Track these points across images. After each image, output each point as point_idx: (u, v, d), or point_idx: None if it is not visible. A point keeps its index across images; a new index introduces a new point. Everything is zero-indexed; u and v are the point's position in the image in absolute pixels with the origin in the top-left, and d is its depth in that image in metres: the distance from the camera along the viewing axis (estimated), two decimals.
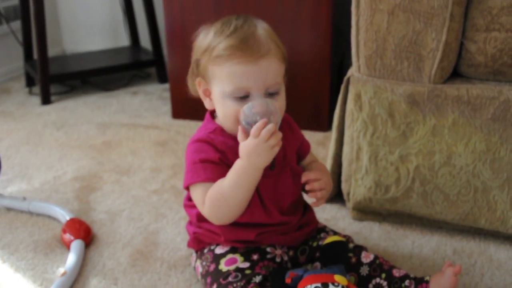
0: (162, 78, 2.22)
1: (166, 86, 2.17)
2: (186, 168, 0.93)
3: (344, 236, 1.00)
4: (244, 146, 0.85)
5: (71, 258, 1.08)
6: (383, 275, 0.91)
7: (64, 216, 1.22)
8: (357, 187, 1.18)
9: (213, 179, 0.89)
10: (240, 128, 0.85)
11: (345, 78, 1.18)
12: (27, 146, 1.67)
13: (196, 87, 0.95)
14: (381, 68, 1.10)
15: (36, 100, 2.07)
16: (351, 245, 0.97)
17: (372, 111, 1.12)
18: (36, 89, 2.13)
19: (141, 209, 1.29)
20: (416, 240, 1.13)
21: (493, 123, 1.04)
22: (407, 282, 0.89)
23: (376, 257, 0.94)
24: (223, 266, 0.93)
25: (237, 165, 0.86)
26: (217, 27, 0.90)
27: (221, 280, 0.90)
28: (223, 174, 0.89)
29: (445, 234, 1.15)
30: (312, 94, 1.69)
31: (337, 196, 1.27)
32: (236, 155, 0.87)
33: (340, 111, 1.21)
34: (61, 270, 1.06)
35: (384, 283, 0.90)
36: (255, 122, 0.84)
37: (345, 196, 1.23)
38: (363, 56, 1.11)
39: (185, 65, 1.77)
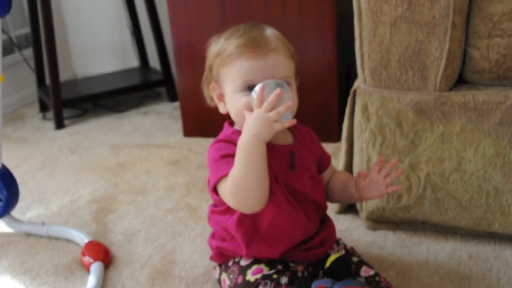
0: (172, 97, 2.25)
1: (176, 104, 2.19)
2: (210, 169, 0.94)
3: (352, 251, 1.01)
4: (247, 119, 0.87)
5: (92, 280, 1.10)
6: None
7: (82, 239, 1.25)
8: None
9: None
10: (255, 95, 0.87)
11: (352, 90, 1.19)
12: (43, 171, 1.70)
13: (210, 93, 0.98)
14: (386, 78, 1.11)
15: (50, 125, 2.11)
16: (355, 259, 0.98)
17: (380, 121, 1.14)
18: (50, 114, 2.17)
19: (157, 229, 1.31)
20: (431, 247, 1.14)
21: (501, 128, 1.05)
22: None
23: (377, 274, 0.94)
24: (250, 277, 0.94)
25: (240, 141, 0.87)
26: (227, 34, 0.95)
27: None
28: None
29: (460, 239, 1.16)
30: (320, 105, 1.71)
31: (350, 207, 1.28)
32: None
33: (348, 123, 1.22)
34: None
35: None
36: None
37: (358, 207, 1.24)
38: (368, 68, 1.12)
39: (194, 83, 1.81)
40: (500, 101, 1.03)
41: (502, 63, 1.03)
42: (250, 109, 0.89)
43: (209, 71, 0.97)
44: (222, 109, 0.97)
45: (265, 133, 0.85)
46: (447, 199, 1.11)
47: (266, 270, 0.94)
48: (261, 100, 0.86)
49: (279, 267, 0.95)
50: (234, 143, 0.91)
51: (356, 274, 0.94)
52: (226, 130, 0.99)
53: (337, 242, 1.03)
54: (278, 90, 0.85)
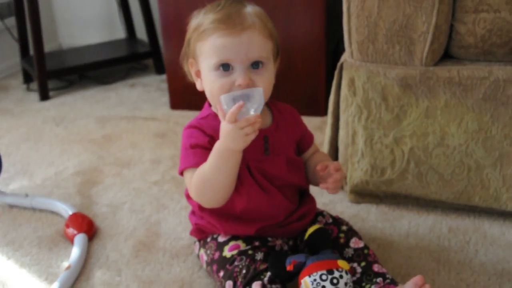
0: (160, 69, 2.23)
1: (163, 77, 2.17)
2: (180, 154, 0.96)
3: (339, 219, 1.02)
4: (222, 128, 0.86)
5: (75, 252, 1.10)
6: (363, 263, 0.92)
7: (66, 211, 1.24)
8: (353, 170, 1.19)
9: (202, 163, 0.90)
10: (218, 107, 0.86)
11: (338, 64, 1.19)
12: (27, 142, 1.68)
13: (189, 68, 0.97)
14: (373, 53, 1.11)
15: (35, 96, 2.08)
16: (344, 227, 0.98)
17: (366, 95, 1.13)
18: (34, 85, 2.15)
19: (142, 201, 1.31)
20: (413, 220, 1.15)
21: (484, 103, 1.05)
22: (379, 280, 0.89)
23: (366, 247, 0.95)
24: (227, 253, 0.95)
25: (216, 146, 0.88)
26: (207, 8, 0.92)
27: (227, 266, 0.93)
28: None
29: (441, 213, 1.17)
30: (308, 80, 1.70)
31: None
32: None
33: (334, 97, 1.22)
34: (66, 264, 1.09)
35: (359, 270, 0.91)
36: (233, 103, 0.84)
37: None
38: (355, 41, 1.12)
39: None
40: (484, 76, 1.04)
41: (488, 38, 1.02)
42: (225, 92, 0.87)
43: (187, 46, 0.95)
44: (199, 86, 0.95)
45: (239, 146, 0.85)
46: (429, 173, 1.12)
47: (243, 246, 0.95)
48: (234, 116, 0.83)
49: (256, 243, 0.96)
50: (203, 130, 0.92)
51: (346, 245, 0.95)
52: (203, 112, 0.97)
53: (322, 214, 1.03)
54: (240, 103, 0.82)
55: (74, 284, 1.03)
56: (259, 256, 0.91)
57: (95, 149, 1.60)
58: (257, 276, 0.88)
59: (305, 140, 1.02)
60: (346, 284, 0.84)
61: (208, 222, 1.00)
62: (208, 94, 0.93)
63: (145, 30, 2.20)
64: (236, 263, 0.92)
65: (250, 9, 0.90)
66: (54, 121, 1.84)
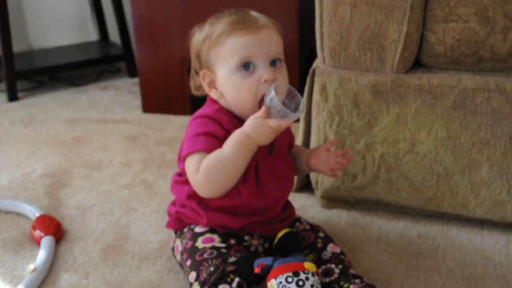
0: (132, 72, 2.21)
1: (136, 80, 2.15)
2: (186, 140, 0.93)
3: (316, 226, 1.02)
4: (252, 121, 0.86)
5: (42, 254, 1.07)
6: (340, 266, 0.93)
7: (33, 212, 1.22)
8: (325, 176, 1.20)
9: (213, 150, 0.90)
10: (263, 108, 0.86)
11: (311, 70, 1.20)
12: None
13: (198, 82, 0.96)
14: (345, 59, 1.12)
15: (2, 97, 2.04)
16: (321, 234, 0.99)
17: (337, 101, 1.15)
18: (2, 85, 2.10)
19: (112, 204, 1.29)
20: (383, 225, 1.17)
21: (453, 111, 1.07)
22: (357, 281, 0.90)
23: (342, 253, 0.96)
24: (199, 243, 0.94)
25: (239, 135, 0.88)
26: (210, 20, 0.94)
27: (196, 256, 0.92)
28: None
29: (411, 219, 1.19)
30: None
31: (306, 185, 1.30)
32: None
33: (306, 102, 1.23)
34: (32, 266, 1.06)
35: (337, 271, 0.92)
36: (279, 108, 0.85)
37: (313, 185, 1.26)
38: (327, 48, 1.13)
39: (154, 59, 1.79)
40: (454, 85, 1.06)
41: (457, 48, 1.05)
42: (253, 94, 0.89)
43: (197, 59, 0.95)
44: (214, 95, 0.95)
45: (264, 142, 0.88)
46: (400, 180, 1.14)
47: (217, 242, 0.95)
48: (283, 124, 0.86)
49: (232, 241, 0.95)
50: (220, 123, 0.92)
51: (323, 248, 0.96)
52: (210, 106, 0.96)
53: (299, 220, 1.04)
54: (290, 122, 0.86)
55: (40, 287, 1.01)
56: (231, 259, 0.90)
57: (65, 151, 1.57)
58: (223, 278, 0.87)
59: (292, 140, 1.05)
60: (312, 286, 0.84)
61: (192, 210, 0.98)
62: (232, 98, 0.92)
63: (118, 33, 2.18)
64: (205, 256, 0.91)
65: (257, 14, 0.94)
66: (22, 123, 1.80)
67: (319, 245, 0.97)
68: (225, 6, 1.64)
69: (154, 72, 1.81)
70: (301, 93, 1.64)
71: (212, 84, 0.94)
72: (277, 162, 0.97)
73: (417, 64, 1.12)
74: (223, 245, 0.94)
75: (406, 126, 1.11)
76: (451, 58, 1.07)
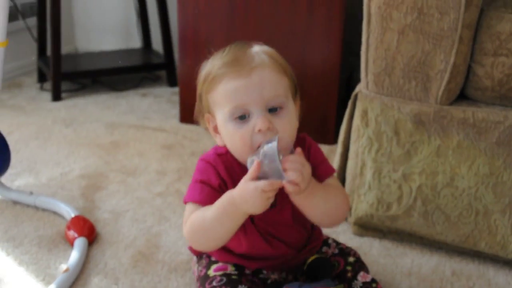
0: (172, 81, 2.24)
1: (175, 90, 2.19)
2: (189, 184, 0.90)
3: (346, 248, 0.99)
4: (242, 186, 0.78)
5: (74, 255, 1.09)
6: None
7: (69, 213, 1.24)
8: (359, 202, 1.19)
9: (206, 203, 0.85)
10: (256, 163, 0.76)
11: (353, 94, 1.20)
12: (36, 141, 1.69)
13: (206, 125, 0.89)
14: (389, 86, 1.11)
15: (47, 96, 2.10)
16: (351, 259, 0.95)
17: (378, 128, 1.14)
18: (48, 85, 2.16)
19: (145, 211, 1.31)
20: (416, 259, 1.14)
21: (498, 147, 1.05)
22: None
23: (374, 281, 0.92)
24: (211, 272, 0.92)
25: (227, 199, 0.80)
26: (213, 56, 0.87)
27: (206, 284, 0.89)
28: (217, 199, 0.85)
29: (445, 254, 1.16)
30: (319, 107, 1.71)
31: None
32: (234, 186, 0.82)
33: (346, 126, 1.22)
34: (64, 266, 1.08)
35: None
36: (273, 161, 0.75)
37: None
38: (371, 73, 1.13)
39: (196, 70, 1.80)
40: (499, 120, 1.04)
41: (505, 83, 1.03)
42: (248, 146, 0.81)
43: (200, 101, 0.88)
44: (219, 142, 0.88)
45: (258, 209, 0.78)
46: (436, 213, 1.12)
47: (230, 270, 0.91)
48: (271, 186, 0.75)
49: (247, 271, 0.92)
50: (217, 171, 0.86)
51: (354, 278, 0.91)
52: (215, 149, 0.89)
53: (327, 243, 0.99)
54: (277, 184, 0.75)
55: None
56: (241, 287, 0.86)
57: (102, 154, 1.61)
58: None
59: (319, 171, 0.89)
60: None
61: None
62: (230, 148, 0.86)
63: (161, 42, 2.22)
64: (214, 283, 0.88)
65: (257, 48, 0.85)
66: (64, 122, 1.85)
67: (349, 274, 0.93)
68: (268, 23, 1.66)
69: (194, 83, 1.82)
70: (339, 116, 1.64)
71: (216, 129, 0.87)
72: (280, 213, 0.87)
73: (462, 96, 1.11)
74: (235, 272, 0.90)
75: (446, 159, 1.10)
76: (499, 93, 1.05)
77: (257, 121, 0.80)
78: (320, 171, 0.89)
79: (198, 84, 0.88)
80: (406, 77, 1.09)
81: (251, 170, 0.77)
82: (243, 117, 0.81)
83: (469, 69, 1.07)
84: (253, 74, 0.80)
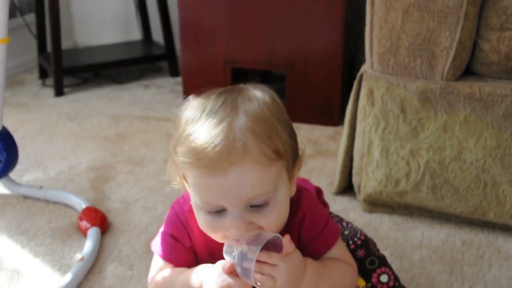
0: (174, 72, 2.25)
1: (178, 79, 2.19)
2: (162, 226, 0.80)
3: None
4: (211, 273, 0.69)
5: (88, 245, 1.10)
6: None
7: (80, 204, 1.25)
8: (368, 180, 1.20)
9: (177, 263, 0.77)
10: (229, 264, 0.67)
11: (358, 75, 1.20)
12: (41, 136, 1.70)
13: (184, 185, 0.71)
14: (394, 65, 1.12)
15: (50, 92, 2.10)
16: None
17: (384, 106, 1.15)
18: (49, 81, 2.16)
19: (155, 199, 1.32)
20: (426, 232, 1.16)
21: (505, 120, 1.06)
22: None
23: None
24: None
25: (197, 280, 0.71)
26: (191, 111, 0.69)
27: None
28: (189, 260, 0.77)
29: (454, 226, 1.18)
30: (324, 90, 1.71)
31: (347, 188, 1.30)
32: (206, 252, 0.75)
33: (352, 106, 1.23)
34: (79, 255, 1.09)
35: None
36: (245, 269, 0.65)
37: (355, 189, 1.26)
38: (376, 53, 1.13)
39: (198, 60, 1.81)
40: (506, 94, 1.05)
41: (511, 57, 1.04)
42: (221, 238, 0.69)
43: (172, 146, 0.70)
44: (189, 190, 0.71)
45: None
46: (444, 187, 1.13)
47: None
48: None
49: None
50: (188, 233, 0.75)
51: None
52: (189, 199, 0.72)
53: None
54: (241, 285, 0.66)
55: (86, 276, 1.04)
56: None
57: (109, 146, 1.61)
58: None
59: (315, 246, 0.75)
60: None
61: None
62: (199, 225, 0.72)
63: (162, 33, 2.22)
64: None
65: (242, 120, 0.64)
66: (68, 117, 1.85)
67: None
68: (269, 8, 1.66)
69: (197, 72, 1.84)
70: (343, 98, 1.65)
71: (185, 177, 0.70)
72: None
73: (467, 72, 1.11)
74: None
75: (453, 134, 1.10)
76: (505, 67, 1.06)
77: (232, 224, 0.65)
78: (317, 246, 0.76)
79: (175, 124, 0.71)
80: (412, 56, 1.10)
81: (224, 267, 0.67)
82: (217, 211, 0.67)
83: (474, 44, 1.08)
84: (230, 173, 0.62)
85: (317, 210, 0.76)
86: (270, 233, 0.67)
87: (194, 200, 0.68)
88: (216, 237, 0.70)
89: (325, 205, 0.92)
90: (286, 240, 0.67)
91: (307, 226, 0.74)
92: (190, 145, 0.64)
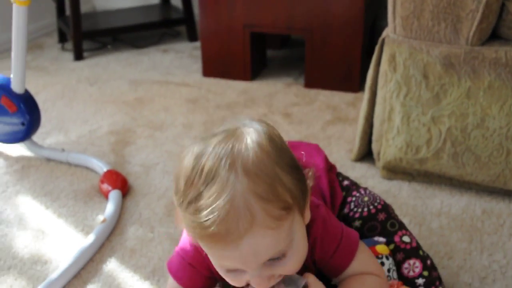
0: (192, 36, 2.23)
1: (196, 44, 2.18)
2: (184, 236, 0.79)
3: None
4: None
5: (110, 207, 1.13)
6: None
7: (101, 167, 1.27)
8: (388, 147, 1.19)
9: (187, 285, 0.78)
10: None
11: (380, 39, 1.18)
12: (62, 100, 1.71)
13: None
14: (417, 29, 1.09)
15: (69, 56, 2.11)
16: None
17: (406, 72, 1.13)
18: (69, 45, 2.17)
19: (174, 163, 1.31)
20: (445, 199, 1.15)
21: None
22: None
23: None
24: None
25: None
26: (188, 170, 0.64)
27: None
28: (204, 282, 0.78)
29: (475, 194, 1.17)
30: (344, 55, 1.69)
31: (366, 155, 1.30)
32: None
33: (373, 72, 1.21)
34: (101, 217, 1.11)
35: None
36: None
37: (375, 155, 1.25)
38: (399, 16, 1.10)
39: (217, 24, 1.79)
40: None
41: None
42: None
43: (176, 205, 0.67)
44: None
45: None
46: (466, 154, 1.12)
47: None
48: None
49: None
50: (207, 264, 0.74)
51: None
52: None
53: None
54: None
55: (108, 237, 1.06)
56: None
57: (128, 111, 1.62)
58: None
59: (331, 266, 0.75)
60: (389, 270, 0.81)
61: None
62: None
63: None
64: None
65: (243, 184, 0.60)
66: (88, 81, 1.86)
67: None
68: None
69: (216, 37, 1.82)
70: (364, 64, 1.63)
71: None
72: None
73: (493, 36, 1.08)
74: None
75: (477, 100, 1.08)
76: None
77: (252, 281, 0.65)
78: (336, 264, 0.75)
79: (174, 179, 0.67)
80: (436, 19, 1.07)
81: None
82: (235, 269, 0.66)
83: (502, 7, 1.04)
84: (242, 244, 0.61)
85: (328, 229, 0.74)
86: (297, 278, 0.68)
87: (210, 257, 0.67)
88: (234, 284, 0.69)
89: (332, 168, 0.92)
90: (312, 279, 0.70)
91: (319, 249, 0.74)
92: (195, 218, 0.61)
